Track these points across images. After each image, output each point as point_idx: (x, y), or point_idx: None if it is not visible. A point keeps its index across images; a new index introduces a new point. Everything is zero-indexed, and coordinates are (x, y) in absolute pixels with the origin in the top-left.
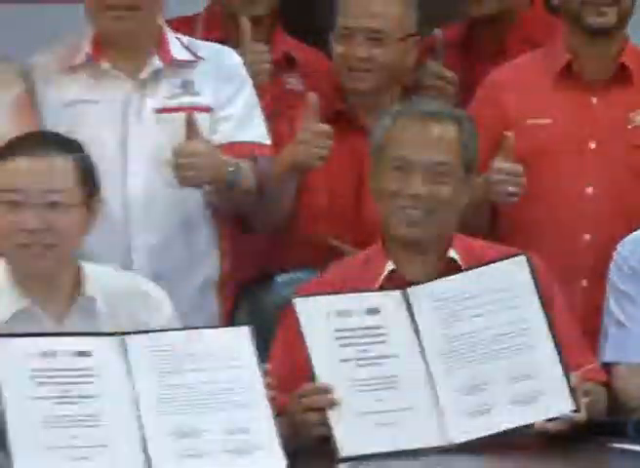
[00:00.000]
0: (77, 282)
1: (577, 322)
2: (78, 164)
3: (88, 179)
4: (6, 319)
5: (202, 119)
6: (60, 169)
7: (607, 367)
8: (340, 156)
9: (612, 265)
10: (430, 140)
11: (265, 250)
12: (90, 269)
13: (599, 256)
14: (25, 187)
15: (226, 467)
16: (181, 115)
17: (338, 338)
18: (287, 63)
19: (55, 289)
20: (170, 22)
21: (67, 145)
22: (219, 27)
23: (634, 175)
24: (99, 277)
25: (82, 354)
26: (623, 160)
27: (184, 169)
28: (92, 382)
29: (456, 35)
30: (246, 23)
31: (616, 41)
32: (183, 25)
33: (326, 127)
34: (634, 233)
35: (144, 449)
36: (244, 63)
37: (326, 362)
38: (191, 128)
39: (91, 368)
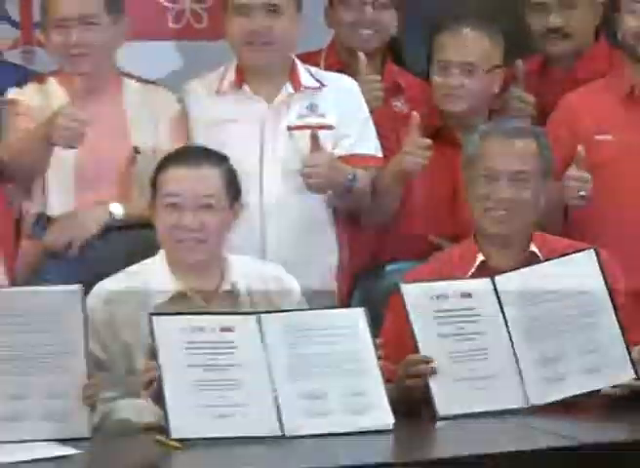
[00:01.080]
0: (223, 270)
1: (637, 305)
2: (224, 173)
3: (232, 186)
4: (165, 300)
5: (326, 136)
6: (210, 177)
7: None
8: (438, 166)
9: None
10: (513, 153)
11: (377, 243)
12: (233, 259)
13: None
14: (183, 192)
15: (345, 424)
16: (308, 132)
17: (437, 317)
18: (395, 89)
19: (204, 275)
20: (299, 56)
21: (216, 158)
22: (339, 60)
23: None
24: (240, 266)
25: (226, 329)
26: None
27: (311, 177)
28: (233, 353)
29: (534, 66)
30: (362, 57)
31: None
32: (310, 58)
33: (427, 140)
34: None
35: (277, 409)
36: (360, 90)
37: (427, 337)
38: (315, 143)
39: (233, 341)
